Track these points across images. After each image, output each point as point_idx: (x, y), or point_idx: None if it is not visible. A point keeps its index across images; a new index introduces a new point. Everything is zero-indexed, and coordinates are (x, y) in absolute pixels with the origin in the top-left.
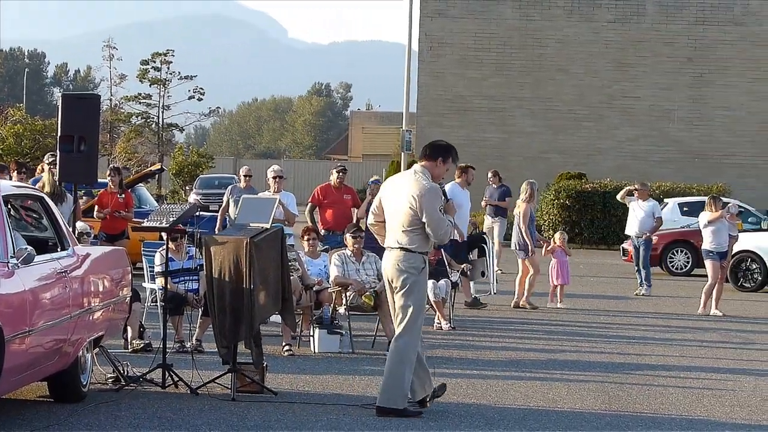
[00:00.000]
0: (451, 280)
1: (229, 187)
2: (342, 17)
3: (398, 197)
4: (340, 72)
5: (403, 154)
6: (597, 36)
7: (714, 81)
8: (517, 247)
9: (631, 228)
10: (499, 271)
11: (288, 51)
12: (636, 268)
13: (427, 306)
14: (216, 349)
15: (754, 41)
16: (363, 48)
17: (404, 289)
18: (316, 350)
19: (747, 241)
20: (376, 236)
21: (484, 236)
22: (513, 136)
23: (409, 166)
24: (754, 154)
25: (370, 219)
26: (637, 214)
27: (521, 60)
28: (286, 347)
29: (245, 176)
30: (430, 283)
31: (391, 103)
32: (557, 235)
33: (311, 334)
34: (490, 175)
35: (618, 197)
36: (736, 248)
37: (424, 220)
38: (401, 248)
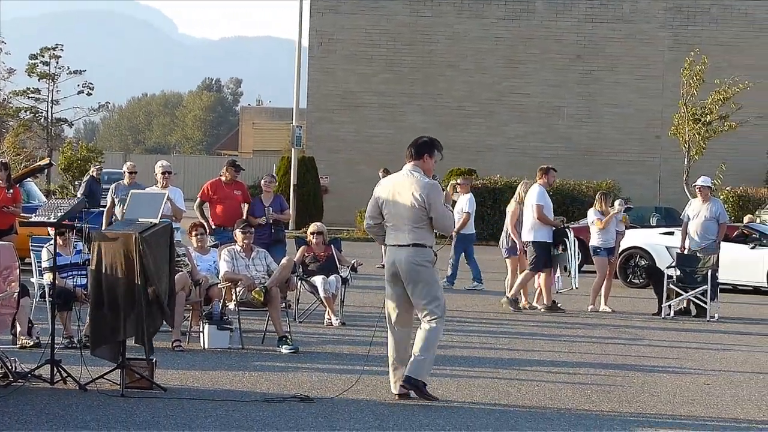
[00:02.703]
0: (341, 276)
1: (113, 185)
2: (232, 13)
3: (401, 197)
4: (231, 68)
5: (293, 149)
6: (487, 32)
7: (603, 78)
8: (503, 247)
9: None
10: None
11: (178, 46)
12: (466, 262)
13: (316, 302)
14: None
15: (643, 39)
16: (253, 44)
17: (424, 282)
18: (206, 346)
19: (635, 238)
20: (374, 237)
21: (567, 230)
22: (403, 131)
23: (299, 161)
24: (641, 151)
25: (368, 222)
26: (457, 209)
27: (411, 56)
28: (176, 343)
29: (130, 172)
30: (320, 278)
31: (281, 98)
32: None
33: (201, 329)
34: (381, 173)
35: (446, 192)
36: (625, 245)
37: (431, 215)
38: (414, 244)
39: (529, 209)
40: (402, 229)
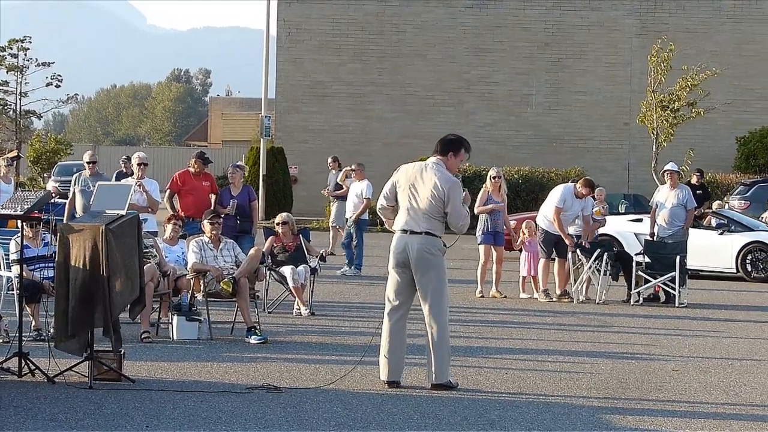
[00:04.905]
0: (309, 266)
1: (74, 176)
2: (200, 4)
3: (422, 187)
4: (200, 58)
5: (262, 139)
6: (455, 21)
7: (571, 66)
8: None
9: (348, 209)
10: (332, 253)
11: (146, 37)
12: (345, 249)
13: (285, 292)
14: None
15: (611, 27)
16: (222, 34)
17: (432, 271)
18: (175, 337)
19: (606, 226)
20: (384, 220)
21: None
22: (372, 121)
23: (268, 151)
24: (610, 138)
25: (383, 203)
26: (351, 195)
27: (379, 45)
28: (145, 334)
29: (89, 163)
30: (289, 268)
31: (250, 89)
32: (523, 225)
33: (169, 321)
34: (330, 160)
35: (338, 180)
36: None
37: (447, 210)
38: (426, 233)
39: (550, 204)
40: (417, 217)
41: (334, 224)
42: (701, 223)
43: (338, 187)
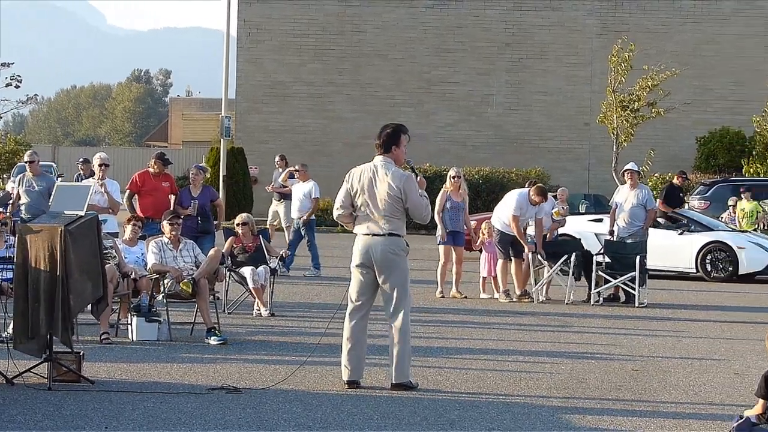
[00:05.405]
0: (269, 267)
1: (18, 177)
2: (161, 4)
3: (377, 188)
4: (160, 59)
5: (222, 140)
6: (416, 21)
7: (532, 66)
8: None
9: (293, 210)
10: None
11: (106, 38)
12: (289, 249)
13: (245, 293)
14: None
15: (571, 27)
16: (183, 35)
17: (396, 271)
18: (134, 338)
19: (566, 226)
20: (345, 226)
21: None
22: (332, 122)
23: (228, 152)
24: (571, 138)
25: (340, 211)
26: (297, 195)
27: (340, 46)
28: (104, 335)
29: (29, 162)
30: (249, 269)
31: (211, 89)
32: (483, 225)
33: (129, 322)
34: (277, 158)
35: (280, 180)
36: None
37: (407, 205)
38: (389, 234)
39: (508, 209)
40: (376, 219)
41: (286, 224)
42: (661, 222)
43: (282, 186)
